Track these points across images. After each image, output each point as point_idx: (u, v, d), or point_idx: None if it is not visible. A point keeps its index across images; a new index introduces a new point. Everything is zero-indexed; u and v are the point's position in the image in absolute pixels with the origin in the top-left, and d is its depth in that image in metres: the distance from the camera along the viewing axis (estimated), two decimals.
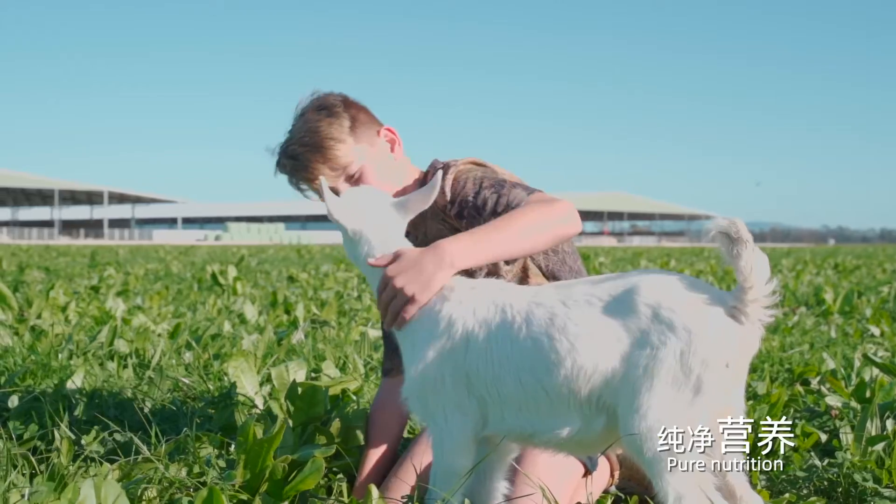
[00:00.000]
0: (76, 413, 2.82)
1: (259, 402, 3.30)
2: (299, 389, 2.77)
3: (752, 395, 3.65)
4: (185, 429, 2.70)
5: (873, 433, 2.81)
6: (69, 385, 3.23)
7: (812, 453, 2.91)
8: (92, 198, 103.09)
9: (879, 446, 2.74)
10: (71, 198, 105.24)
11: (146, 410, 3.14)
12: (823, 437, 3.09)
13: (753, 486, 2.69)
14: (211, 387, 3.63)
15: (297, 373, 3.31)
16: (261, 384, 3.64)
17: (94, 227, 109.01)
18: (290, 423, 2.71)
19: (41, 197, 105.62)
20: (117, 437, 2.74)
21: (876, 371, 3.92)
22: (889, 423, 2.84)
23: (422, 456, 2.52)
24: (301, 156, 2.48)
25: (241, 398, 3.32)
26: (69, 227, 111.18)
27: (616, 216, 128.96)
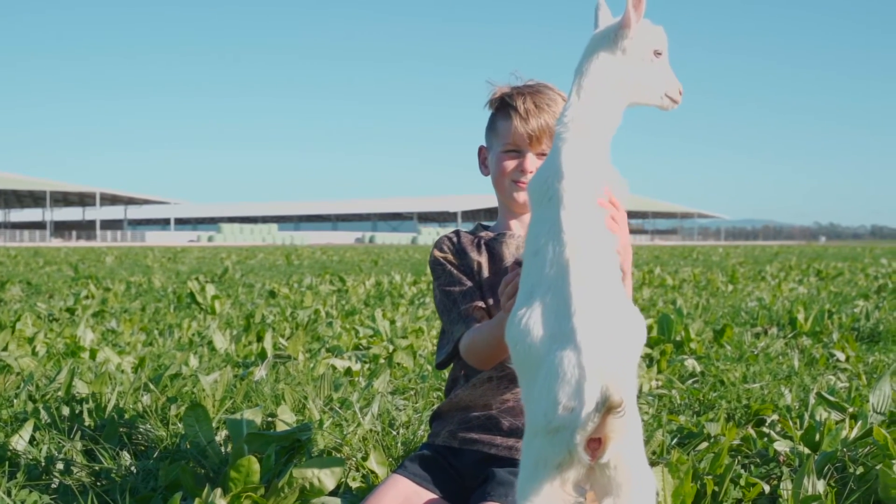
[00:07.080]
0: (17, 477, 2.82)
1: (211, 454, 3.30)
2: (239, 458, 2.78)
3: (706, 437, 3.65)
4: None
5: (810, 491, 2.82)
6: (16, 440, 3.22)
7: None
8: (84, 199, 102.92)
9: None
10: (63, 199, 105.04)
11: (92, 468, 3.14)
12: (767, 489, 3.10)
13: None
14: (164, 434, 3.63)
15: (250, 423, 3.32)
16: (217, 428, 3.65)
17: (86, 228, 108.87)
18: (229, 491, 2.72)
19: (33, 199, 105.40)
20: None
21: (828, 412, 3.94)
22: (821, 485, 2.85)
23: None
24: (548, 92, 2.60)
25: (190, 447, 3.33)
26: (61, 228, 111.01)
27: None
